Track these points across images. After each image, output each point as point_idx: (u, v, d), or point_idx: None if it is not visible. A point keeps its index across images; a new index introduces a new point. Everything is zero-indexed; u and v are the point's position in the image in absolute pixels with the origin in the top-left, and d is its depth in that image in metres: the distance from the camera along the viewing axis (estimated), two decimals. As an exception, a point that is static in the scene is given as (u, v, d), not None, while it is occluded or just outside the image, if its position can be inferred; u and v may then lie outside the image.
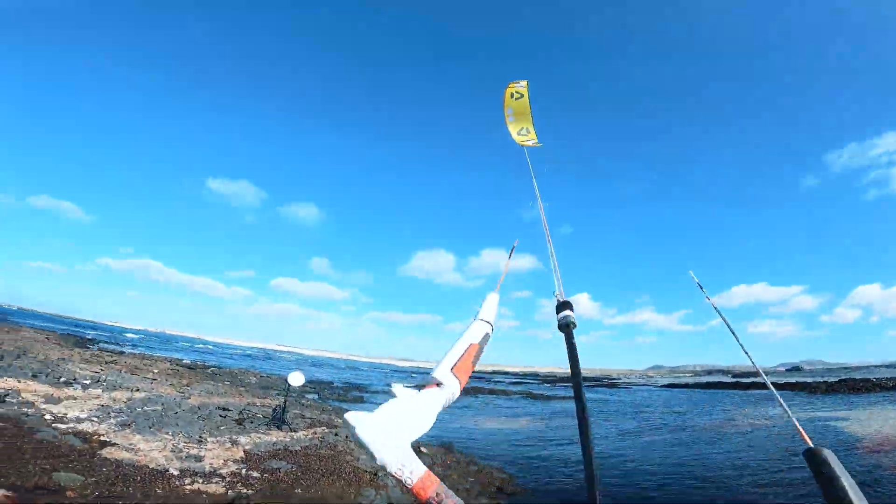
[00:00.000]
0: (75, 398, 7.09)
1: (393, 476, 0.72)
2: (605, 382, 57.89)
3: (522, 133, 2.93)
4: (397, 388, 0.87)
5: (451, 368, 0.93)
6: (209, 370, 21.33)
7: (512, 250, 1.42)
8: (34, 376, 8.41)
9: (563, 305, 1.10)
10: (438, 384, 0.90)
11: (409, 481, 0.71)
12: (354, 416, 0.73)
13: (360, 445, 0.71)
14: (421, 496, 0.71)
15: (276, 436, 7.13)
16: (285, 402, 8.37)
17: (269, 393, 14.97)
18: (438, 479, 0.71)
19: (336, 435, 7.62)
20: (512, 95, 3.04)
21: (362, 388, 26.14)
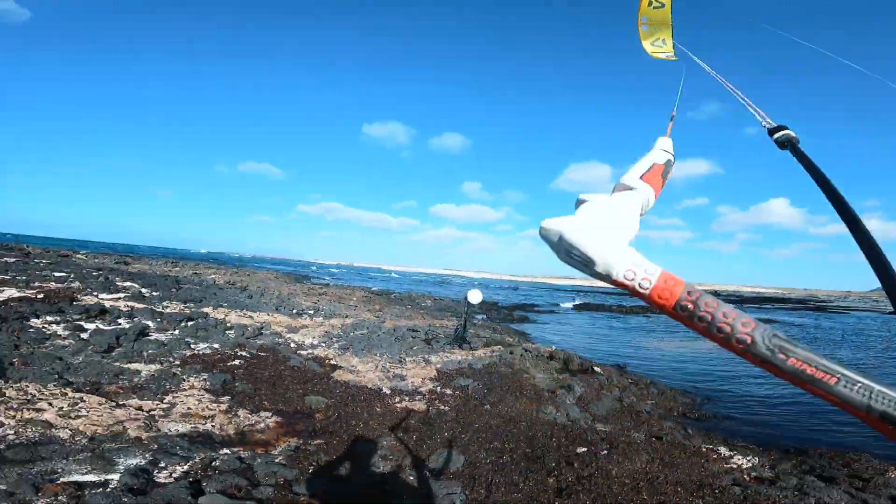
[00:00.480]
0: (307, 326, 9.00)
1: (620, 284, 0.55)
2: (811, 305, 48.46)
3: (657, 44, 2.55)
4: (585, 195, 0.72)
5: (641, 177, 0.82)
6: (392, 296, 24.57)
7: (671, 120, 1.32)
8: (276, 309, 10.90)
9: (775, 129, 0.97)
10: (629, 189, 0.78)
11: (644, 286, 0.53)
12: (555, 222, 0.60)
13: (569, 253, 0.57)
14: (665, 303, 0.52)
15: (459, 354, 8.00)
16: (465, 320, 9.11)
17: (444, 314, 16.72)
18: (684, 279, 0.52)
19: (511, 354, 8.15)
20: (650, 3, 2.59)
21: (527, 307, 27.15)
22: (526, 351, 8.46)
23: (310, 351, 7.08)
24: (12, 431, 3.31)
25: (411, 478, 3.52)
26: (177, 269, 23.41)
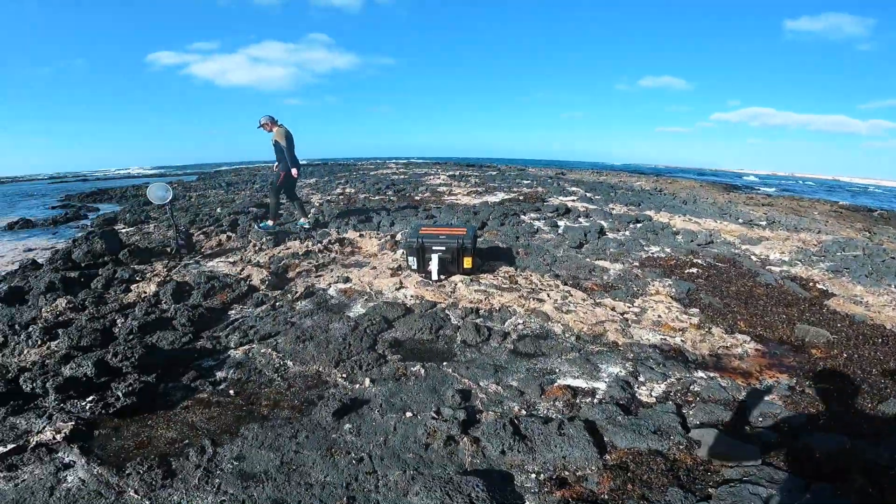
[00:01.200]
0: (767, 238, 7.44)
1: None
2: None
3: None
4: None
5: None
6: (876, 213, 17.47)
7: None
8: (721, 217, 9.66)
9: None
10: None
11: None
12: None
13: None
14: None
15: None
16: None
17: None
18: None
19: None
20: None
21: None
22: None
23: (783, 268, 5.77)
24: (521, 321, 3.86)
25: None
26: (603, 177, 25.21)
